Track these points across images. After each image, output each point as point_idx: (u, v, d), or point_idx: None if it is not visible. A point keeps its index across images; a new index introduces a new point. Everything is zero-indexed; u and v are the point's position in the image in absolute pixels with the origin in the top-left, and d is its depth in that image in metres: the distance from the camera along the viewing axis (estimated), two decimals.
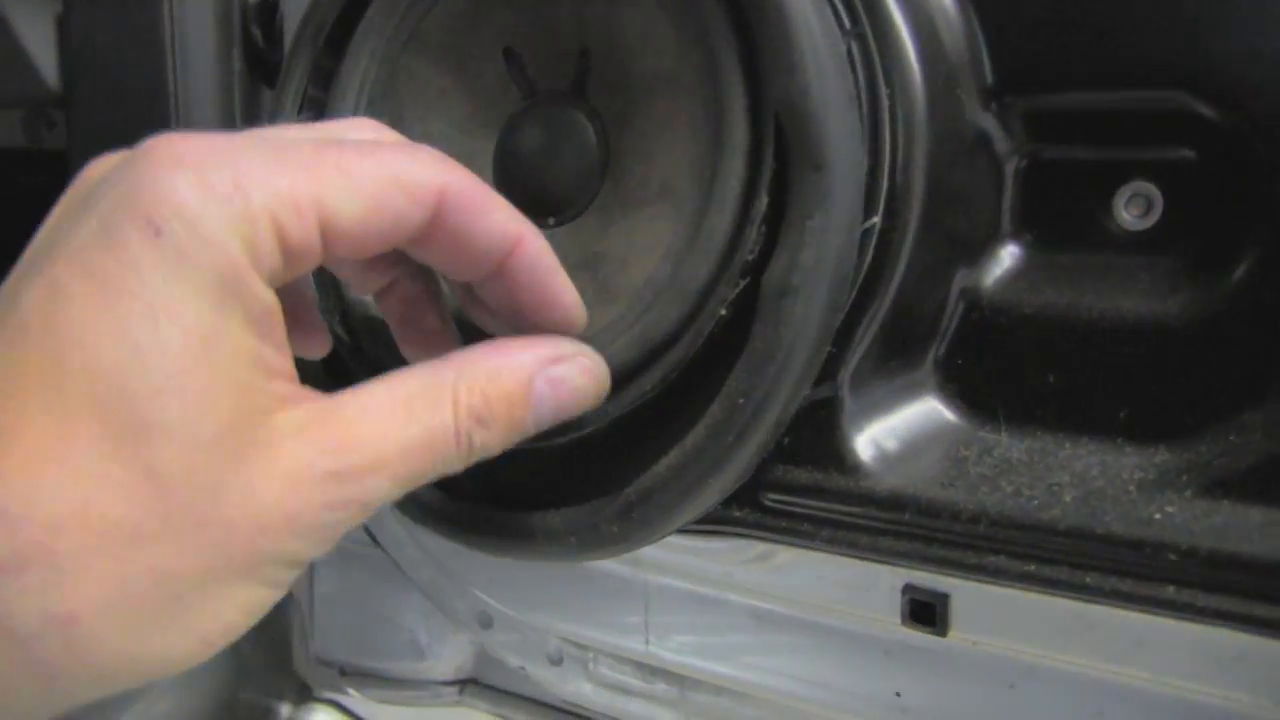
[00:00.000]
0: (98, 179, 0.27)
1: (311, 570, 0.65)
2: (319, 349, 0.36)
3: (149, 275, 0.24)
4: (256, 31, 0.66)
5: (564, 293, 0.33)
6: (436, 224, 0.29)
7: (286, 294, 0.35)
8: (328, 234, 0.27)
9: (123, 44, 0.63)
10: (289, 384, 0.27)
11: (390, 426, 0.28)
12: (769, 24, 0.34)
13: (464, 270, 0.31)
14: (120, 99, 0.64)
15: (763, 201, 0.35)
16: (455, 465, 0.29)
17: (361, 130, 0.32)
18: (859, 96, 0.38)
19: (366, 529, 0.62)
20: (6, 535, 0.23)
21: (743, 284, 0.35)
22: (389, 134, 0.32)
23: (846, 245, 0.35)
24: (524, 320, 0.33)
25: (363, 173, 0.27)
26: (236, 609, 0.26)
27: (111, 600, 0.24)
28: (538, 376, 0.31)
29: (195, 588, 0.25)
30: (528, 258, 0.31)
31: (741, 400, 0.35)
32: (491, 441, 0.30)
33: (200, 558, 0.25)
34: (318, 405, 0.27)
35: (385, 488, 0.28)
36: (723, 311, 0.35)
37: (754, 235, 0.35)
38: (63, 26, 0.64)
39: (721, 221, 0.35)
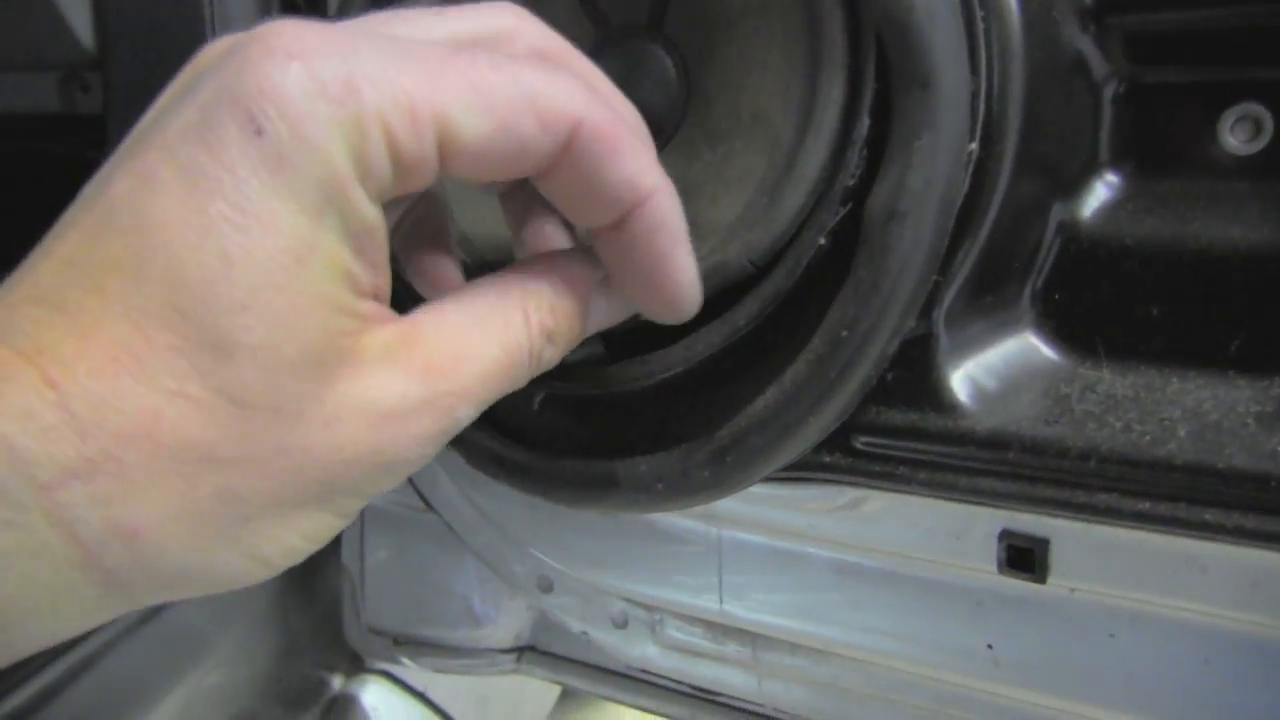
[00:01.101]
0: (212, 61, 0.25)
1: (362, 538, 0.64)
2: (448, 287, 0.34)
3: (245, 178, 0.22)
4: None
5: (682, 268, 0.29)
6: (564, 158, 0.27)
7: (422, 227, 0.33)
8: (446, 150, 0.24)
9: (159, 3, 0.62)
10: (378, 305, 0.26)
11: (471, 348, 0.26)
12: None
13: (583, 213, 0.29)
14: (157, 60, 0.62)
15: (864, 123, 0.33)
16: (522, 382, 0.28)
17: (501, 15, 0.28)
18: None
19: (420, 493, 0.60)
20: (77, 440, 0.22)
21: (843, 211, 0.34)
22: (531, 24, 0.29)
23: (954, 168, 0.33)
24: (632, 285, 0.30)
25: (493, 87, 0.25)
26: (302, 535, 0.25)
27: (177, 517, 0.23)
28: (596, 290, 0.30)
29: (263, 513, 0.24)
30: (654, 216, 0.28)
31: (845, 332, 0.33)
32: (555, 357, 0.29)
33: (273, 485, 0.24)
34: (400, 329, 0.26)
35: (469, 414, 0.27)
36: (822, 240, 0.34)
37: (855, 159, 0.33)
38: None
39: (819, 146, 0.34)
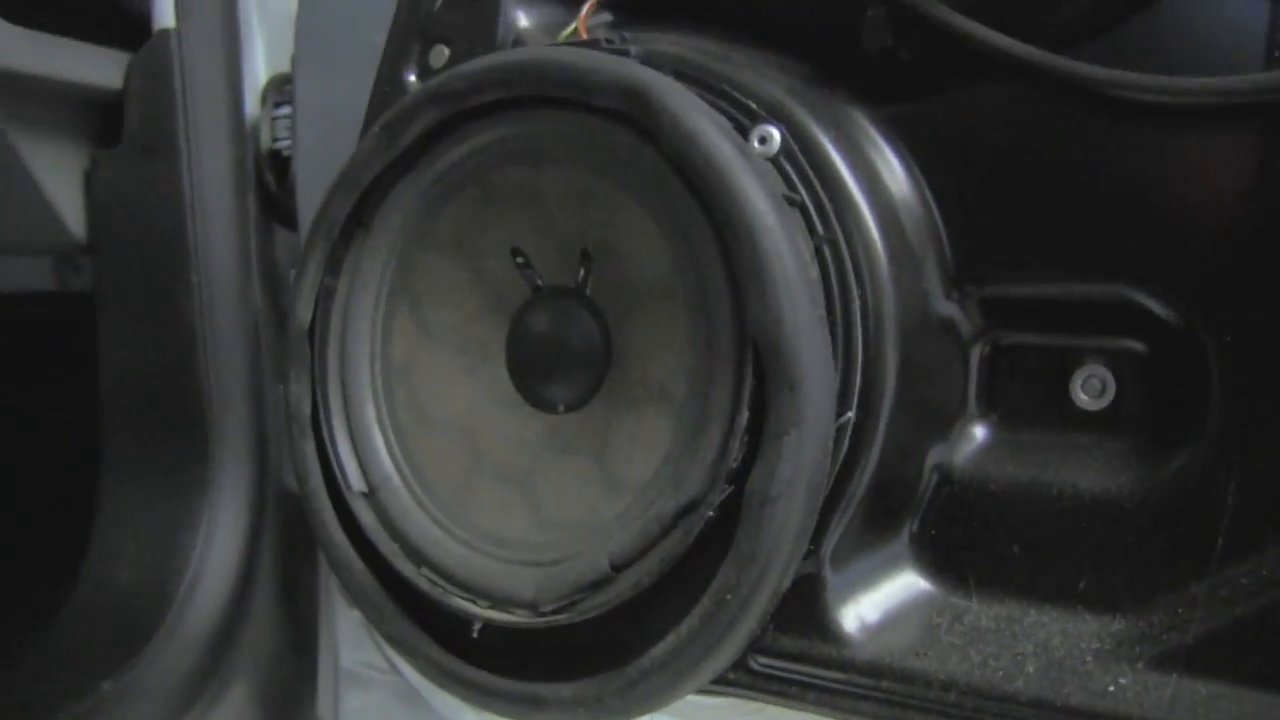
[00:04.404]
0: None
1: (336, 693, 0.69)
2: None
3: None
4: (270, 177, 0.70)
5: None
6: None
7: None
8: None
9: (145, 194, 0.67)
10: None
11: None
12: (744, 253, 0.38)
13: None
14: (143, 245, 0.68)
15: (745, 415, 0.38)
16: None
17: None
18: (830, 296, 0.42)
19: (387, 658, 0.65)
20: None
21: (728, 490, 0.39)
22: None
23: (820, 457, 0.38)
24: None
25: None
26: None
27: None
28: None
29: None
30: None
31: (729, 596, 0.38)
32: None
33: None
34: None
35: None
36: (710, 513, 0.39)
37: (737, 446, 0.38)
38: (89, 180, 0.68)
39: (717, 433, 0.39)
